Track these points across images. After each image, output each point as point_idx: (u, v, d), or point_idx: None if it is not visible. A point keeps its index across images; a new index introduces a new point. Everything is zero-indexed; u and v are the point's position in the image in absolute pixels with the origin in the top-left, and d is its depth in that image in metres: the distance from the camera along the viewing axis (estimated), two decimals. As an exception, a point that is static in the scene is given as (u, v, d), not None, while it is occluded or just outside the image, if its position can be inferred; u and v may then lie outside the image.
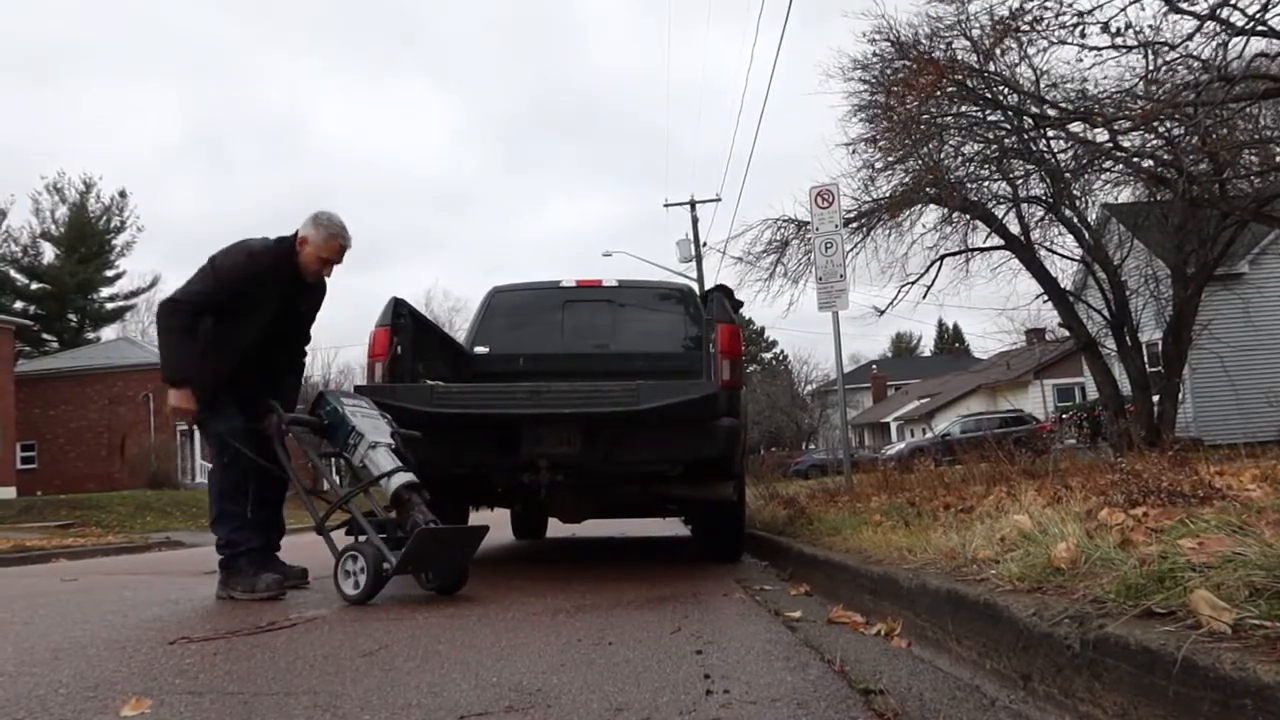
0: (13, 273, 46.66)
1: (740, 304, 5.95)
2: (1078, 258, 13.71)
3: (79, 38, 76.34)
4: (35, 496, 28.27)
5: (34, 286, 46.97)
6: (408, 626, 3.15)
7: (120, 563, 8.86)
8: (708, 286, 5.88)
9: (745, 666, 2.37)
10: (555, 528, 8.87)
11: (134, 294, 51.47)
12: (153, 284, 52.57)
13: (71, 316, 48.16)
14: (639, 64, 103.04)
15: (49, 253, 47.69)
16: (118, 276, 49.94)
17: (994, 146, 11.91)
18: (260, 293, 4.13)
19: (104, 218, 48.86)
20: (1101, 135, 10.21)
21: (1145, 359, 13.63)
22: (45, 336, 46.88)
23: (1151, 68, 9.32)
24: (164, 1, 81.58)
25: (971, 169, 12.17)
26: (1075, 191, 12.26)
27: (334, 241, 4.22)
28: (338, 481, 4.35)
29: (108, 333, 48.84)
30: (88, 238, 47.64)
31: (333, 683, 2.27)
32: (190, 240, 64.94)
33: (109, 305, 50.27)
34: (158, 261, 77.32)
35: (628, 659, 2.49)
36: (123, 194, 49.33)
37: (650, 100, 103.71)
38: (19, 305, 44.79)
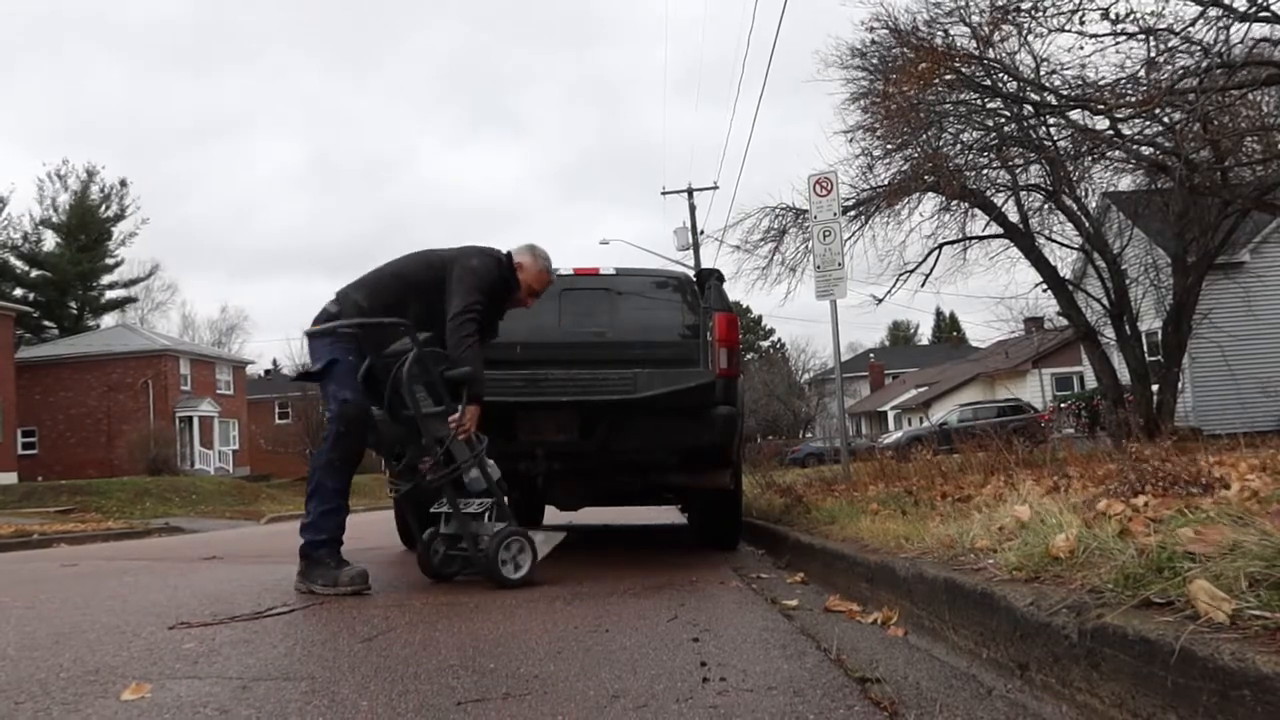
0: (13, 259, 46.60)
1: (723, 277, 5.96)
2: (1077, 246, 13.67)
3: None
4: (36, 482, 28.32)
5: (34, 273, 46.93)
6: (406, 613, 3.15)
7: (120, 548, 8.87)
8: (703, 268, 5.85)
9: (741, 654, 2.37)
10: (552, 516, 8.87)
11: (134, 282, 51.53)
12: (151, 273, 52.64)
13: (71, 304, 48.11)
14: (639, 62, 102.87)
15: (50, 240, 47.67)
16: (118, 264, 49.97)
17: (993, 134, 11.86)
18: (484, 304, 4.08)
19: (105, 206, 48.78)
20: (1102, 122, 10.18)
21: (1144, 348, 13.61)
22: (45, 323, 46.86)
23: (1153, 54, 9.27)
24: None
25: (970, 156, 12.12)
26: (1075, 179, 12.22)
27: (545, 275, 4.32)
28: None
29: (107, 320, 48.93)
30: (89, 225, 47.55)
31: (330, 668, 2.27)
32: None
33: (109, 293, 50.29)
34: (167, 256, 78.09)
35: (624, 646, 2.49)
36: (124, 183, 49.40)
37: (649, 91, 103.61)
38: (19, 292, 44.74)
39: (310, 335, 3.99)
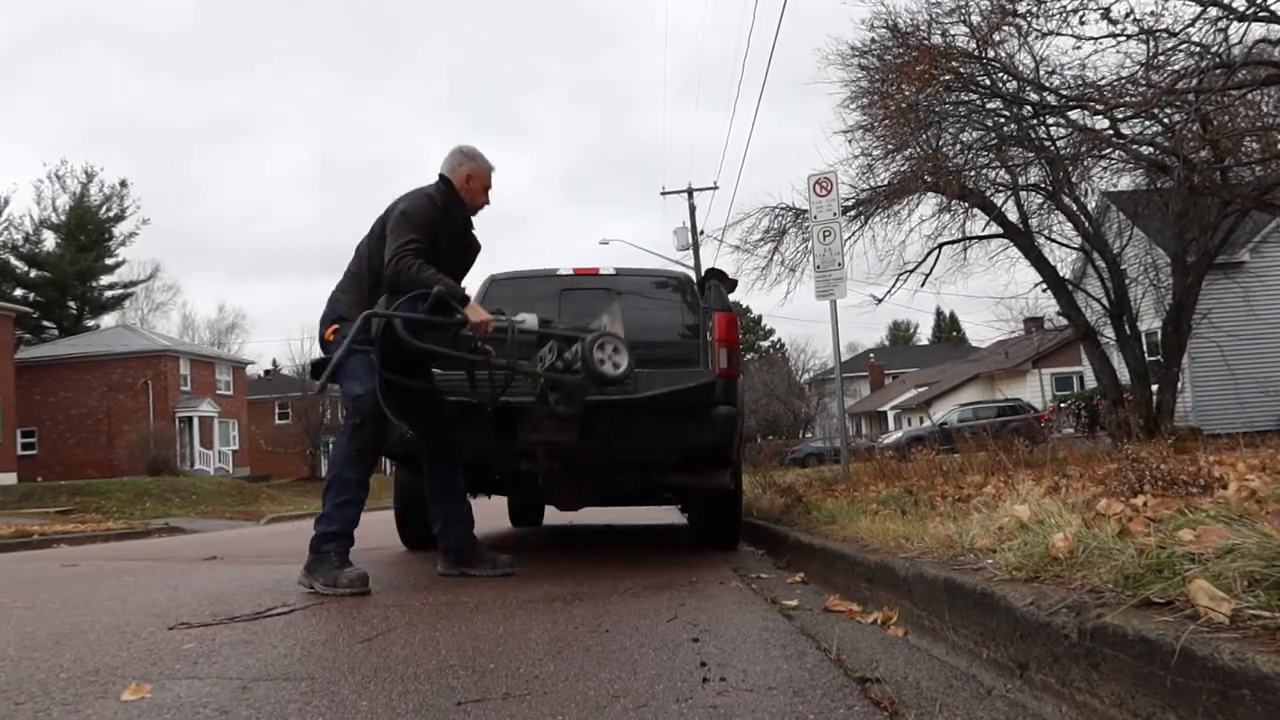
0: (13, 260, 46.60)
1: (735, 284, 5.96)
2: (1077, 246, 13.68)
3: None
4: (35, 483, 28.32)
5: (34, 274, 46.93)
6: (406, 613, 3.15)
7: (120, 549, 8.87)
8: (704, 271, 5.88)
9: (741, 654, 2.37)
10: (552, 515, 8.88)
11: (133, 283, 51.56)
12: (152, 274, 52.69)
13: (71, 304, 48.11)
14: (640, 63, 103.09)
15: (50, 240, 47.69)
16: (118, 265, 50.02)
17: (993, 134, 11.86)
18: (437, 239, 4.05)
19: (105, 207, 48.82)
20: (1102, 122, 10.18)
21: (1144, 348, 13.61)
22: (45, 324, 46.86)
23: (1152, 54, 9.28)
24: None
25: (970, 156, 12.12)
26: (1075, 179, 12.22)
27: (488, 166, 4.27)
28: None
29: (107, 320, 48.93)
30: (88, 226, 47.56)
31: (330, 668, 2.27)
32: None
33: (109, 293, 50.29)
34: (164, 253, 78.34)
35: (624, 646, 2.49)
36: (124, 183, 49.46)
37: (649, 91, 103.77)
38: (19, 292, 44.75)
39: (320, 382, 4.00)
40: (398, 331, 3.78)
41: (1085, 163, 11.60)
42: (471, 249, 4.39)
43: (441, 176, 4.20)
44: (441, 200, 4.12)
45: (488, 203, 4.33)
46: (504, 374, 4.05)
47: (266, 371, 55.59)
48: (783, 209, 13.39)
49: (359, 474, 3.84)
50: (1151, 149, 10.37)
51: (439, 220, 4.07)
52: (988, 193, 12.64)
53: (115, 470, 31.13)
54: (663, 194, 29.53)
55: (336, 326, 4.00)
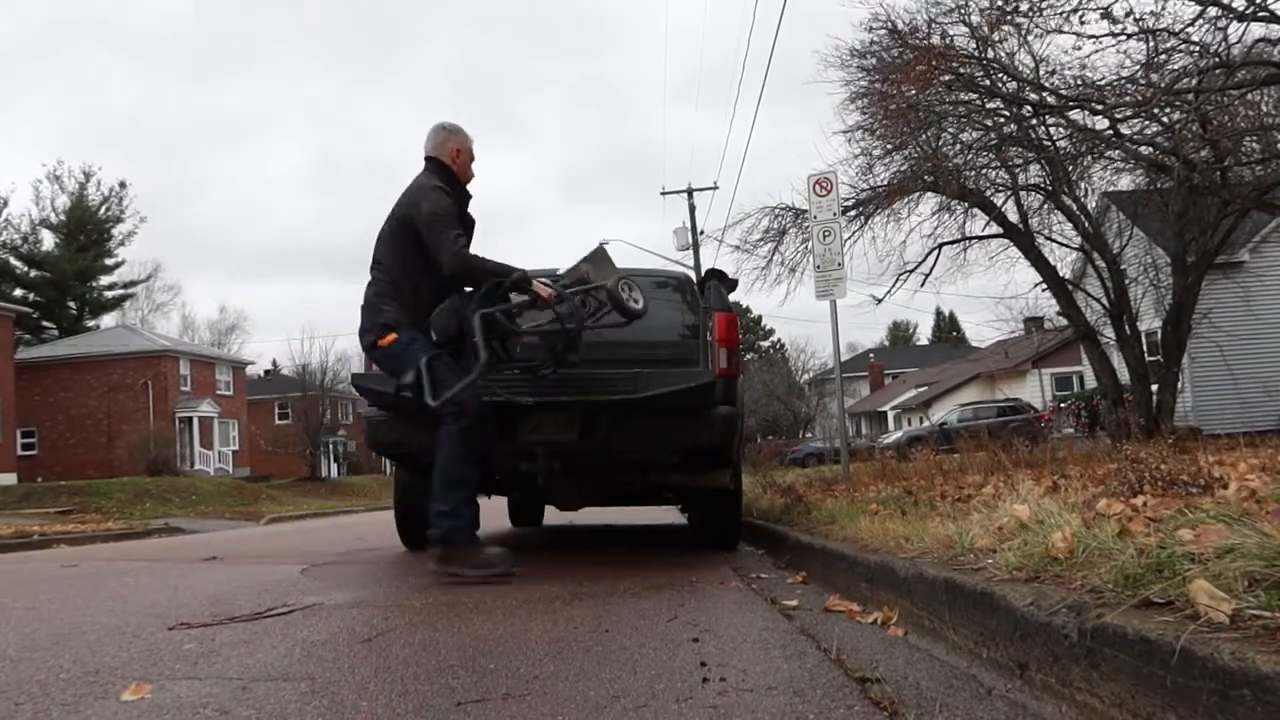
0: (12, 260, 46.60)
1: (735, 283, 5.97)
2: (1077, 246, 13.66)
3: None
4: (35, 483, 28.31)
5: (33, 274, 46.93)
6: (405, 614, 3.15)
7: (120, 549, 8.87)
8: (704, 271, 5.90)
9: (741, 654, 2.37)
10: (552, 515, 8.88)
11: (133, 283, 51.57)
12: (150, 275, 52.72)
13: (71, 304, 48.11)
14: (640, 64, 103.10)
15: (49, 240, 47.71)
16: (117, 265, 50.05)
17: (993, 134, 11.86)
18: (459, 223, 4.20)
19: (103, 207, 48.83)
20: (1101, 122, 10.18)
21: (1144, 348, 13.60)
22: (45, 324, 46.86)
23: (1152, 54, 9.28)
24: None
25: (970, 156, 12.11)
26: (1074, 179, 12.21)
27: (471, 138, 4.43)
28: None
29: (107, 320, 48.95)
30: (87, 226, 47.58)
31: (330, 668, 2.27)
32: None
33: (108, 293, 50.30)
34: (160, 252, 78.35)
35: (624, 646, 2.49)
36: (123, 184, 49.53)
37: (650, 91, 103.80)
38: (18, 292, 44.75)
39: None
40: (503, 323, 4.15)
41: (1085, 162, 11.60)
42: (470, 223, 4.46)
43: (431, 159, 4.27)
44: (448, 185, 4.22)
45: (473, 175, 4.45)
46: (573, 331, 4.39)
47: (266, 372, 55.60)
48: (783, 209, 13.38)
49: (474, 471, 4.02)
50: (1151, 149, 10.37)
51: (454, 199, 4.20)
52: (987, 193, 12.63)
53: (115, 470, 31.12)
54: (663, 194, 29.51)
55: (395, 336, 4.09)
